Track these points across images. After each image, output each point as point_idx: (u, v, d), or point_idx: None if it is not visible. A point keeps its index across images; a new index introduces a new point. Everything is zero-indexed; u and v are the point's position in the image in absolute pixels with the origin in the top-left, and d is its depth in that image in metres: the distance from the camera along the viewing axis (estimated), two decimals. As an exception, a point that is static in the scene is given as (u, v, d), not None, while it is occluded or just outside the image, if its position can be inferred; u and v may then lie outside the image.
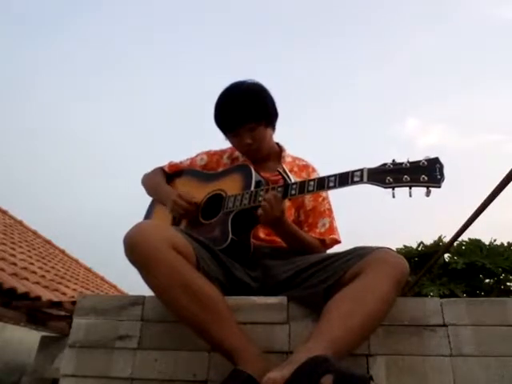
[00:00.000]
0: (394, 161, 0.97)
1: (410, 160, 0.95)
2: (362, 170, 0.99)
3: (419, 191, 0.92)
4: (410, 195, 0.92)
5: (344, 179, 1.01)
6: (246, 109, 1.27)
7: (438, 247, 3.90)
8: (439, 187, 0.89)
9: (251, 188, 1.18)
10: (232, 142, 1.38)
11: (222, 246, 1.11)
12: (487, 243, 3.88)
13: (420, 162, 0.93)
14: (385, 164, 0.97)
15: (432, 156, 0.93)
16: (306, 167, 1.43)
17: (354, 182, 0.99)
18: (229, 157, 1.47)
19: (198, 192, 1.34)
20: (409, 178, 0.92)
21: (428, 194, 0.90)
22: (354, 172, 1.00)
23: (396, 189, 0.93)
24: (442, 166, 0.91)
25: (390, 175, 0.94)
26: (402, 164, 0.95)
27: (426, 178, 0.90)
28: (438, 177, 0.89)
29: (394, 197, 0.93)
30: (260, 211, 1.10)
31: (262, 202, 1.10)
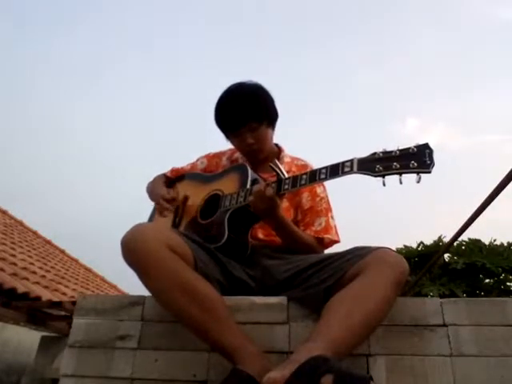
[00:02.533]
0: (384, 149, 0.96)
1: (400, 148, 0.94)
2: (352, 161, 0.98)
3: (410, 178, 0.90)
4: (401, 182, 0.91)
5: (335, 170, 1.01)
6: (248, 109, 1.28)
7: (438, 247, 3.90)
8: (429, 172, 0.88)
9: (247, 186, 1.18)
10: (233, 143, 1.38)
11: (218, 243, 1.11)
12: (487, 243, 3.88)
13: (409, 148, 0.92)
14: (374, 153, 0.96)
15: (422, 142, 0.92)
16: (304, 167, 1.43)
17: (344, 173, 0.98)
18: (228, 158, 1.48)
19: (198, 194, 1.35)
20: (398, 165, 0.91)
21: (418, 180, 0.89)
22: (344, 162, 1.00)
23: (386, 177, 0.92)
24: (431, 151, 0.89)
25: (380, 163, 0.93)
26: (391, 152, 0.94)
27: (415, 164, 0.89)
28: (428, 162, 0.88)
29: (384, 185, 0.92)
30: (251, 198, 1.10)
31: (253, 192, 1.10)
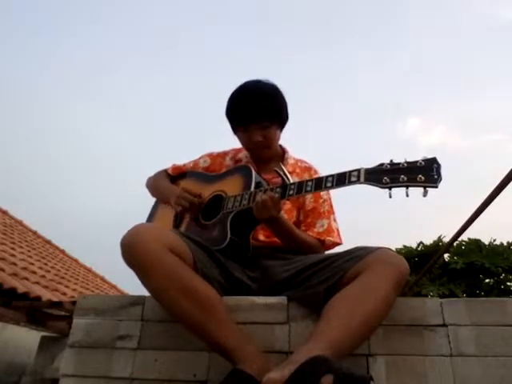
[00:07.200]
0: (391, 161, 0.96)
1: (408, 160, 0.94)
2: (359, 170, 0.98)
3: (416, 191, 0.91)
4: (407, 195, 0.91)
5: (341, 179, 1.01)
6: (263, 106, 1.27)
7: (438, 247, 3.90)
8: (436, 187, 0.88)
9: (251, 189, 1.18)
10: (240, 137, 1.37)
11: (220, 246, 1.11)
12: (487, 243, 3.88)
13: (417, 162, 0.92)
14: (382, 164, 0.96)
15: (430, 156, 0.93)
16: (308, 169, 1.43)
17: (351, 182, 0.98)
18: (231, 158, 1.48)
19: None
20: (405, 178, 0.91)
21: (425, 194, 0.89)
22: (351, 172, 0.99)
23: (393, 189, 0.93)
24: (439, 166, 0.90)
25: (387, 175, 0.93)
26: (399, 164, 0.94)
27: (422, 178, 0.89)
28: (435, 177, 0.88)
29: (390, 197, 0.92)
30: (254, 207, 1.10)
31: (256, 201, 1.09)
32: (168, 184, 1.46)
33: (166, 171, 1.53)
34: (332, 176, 1.03)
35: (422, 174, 0.90)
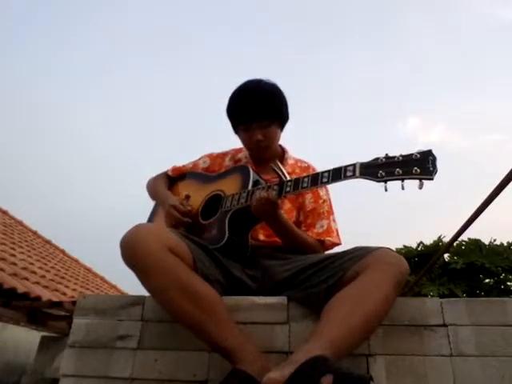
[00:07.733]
0: (386, 154, 0.96)
1: (403, 153, 0.94)
2: (354, 165, 0.98)
3: (413, 185, 0.90)
4: (403, 188, 0.91)
5: (337, 174, 1.01)
6: (264, 105, 1.28)
7: (438, 247, 3.90)
8: (432, 179, 0.88)
9: (249, 187, 1.18)
10: (241, 136, 1.37)
11: (218, 244, 1.11)
12: (487, 243, 3.88)
13: (412, 154, 0.92)
14: (377, 158, 0.96)
15: (425, 149, 0.92)
16: (307, 169, 1.43)
17: (346, 177, 0.98)
18: (231, 159, 1.48)
19: (199, 193, 1.35)
20: (401, 171, 0.90)
21: (421, 186, 0.89)
22: (346, 167, 0.99)
23: (389, 182, 0.92)
24: (434, 158, 0.89)
25: (382, 169, 0.93)
26: (394, 157, 0.94)
27: (418, 171, 0.89)
28: (431, 169, 0.88)
29: (386, 190, 0.92)
30: (252, 205, 1.10)
31: (254, 199, 1.10)
32: (164, 192, 1.44)
33: (165, 173, 1.54)
34: (328, 171, 1.03)
35: (418, 166, 0.89)
